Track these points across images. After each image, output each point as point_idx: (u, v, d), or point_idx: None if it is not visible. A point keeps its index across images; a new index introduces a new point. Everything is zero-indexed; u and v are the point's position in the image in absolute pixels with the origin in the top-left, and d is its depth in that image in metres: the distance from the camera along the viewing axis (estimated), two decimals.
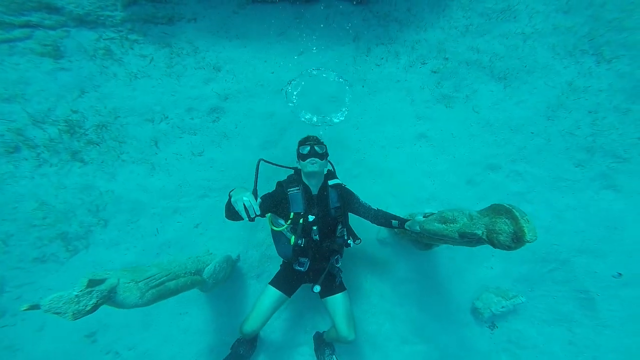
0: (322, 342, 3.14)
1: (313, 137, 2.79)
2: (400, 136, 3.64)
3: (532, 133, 3.51)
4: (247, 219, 2.03)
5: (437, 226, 2.37)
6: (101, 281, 2.04)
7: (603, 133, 3.43)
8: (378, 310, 3.36)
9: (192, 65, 3.71)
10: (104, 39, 3.69)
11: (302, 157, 2.66)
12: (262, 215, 2.32)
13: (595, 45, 3.51)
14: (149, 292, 2.29)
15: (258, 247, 3.49)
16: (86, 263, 3.40)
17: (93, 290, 1.93)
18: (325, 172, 2.81)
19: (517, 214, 1.92)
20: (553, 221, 3.39)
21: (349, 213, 2.83)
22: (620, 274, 3.18)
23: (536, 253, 3.33)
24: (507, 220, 1.96)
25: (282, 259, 2.95)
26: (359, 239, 2.78)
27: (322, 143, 2.73)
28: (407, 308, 3.33)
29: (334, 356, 3.04)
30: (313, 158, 2.58)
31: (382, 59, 3.76)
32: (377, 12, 3.83)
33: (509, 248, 1.96)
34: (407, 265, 3.40)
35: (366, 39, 3.81)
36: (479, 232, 2.18)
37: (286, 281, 2.81)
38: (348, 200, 2.76)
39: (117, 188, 3.55)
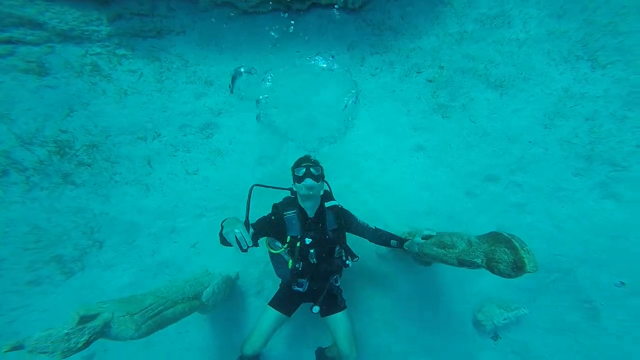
0: (324, 357, 3.06)
1: (308, 157, 2.68)
2: (398, 148, 3.53)
3: (530, 142, 3.39)
4: (239, 251, 1.98)
5: (436, 251, 2.35)
6: (94, 317, 1.96)
7: (601, 141, 3.31)
8: (380, 324, 3.29)
9: (183, 79, 3.57)
10: (90, 54, 3.52)
11: (297, 179, 2.55)
12: (255, 244, 2.25)
13: (589, 50, 3.39)
14: (145, 324, 2.21)
15: (257, 264, 3.40)
16: (83, 285, 3.31)
17: (85, 327, 1.85)
18: (322, 193, 2.72)
19: (516, 244, 1.88)
20: (554, 231, 3.29)
21: (346, 233, 2.74)
22: (622, 283, 3.10)
23: (538, 263, 3.15)
24: (506, 250, 1.92)
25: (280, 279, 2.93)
26: (357, 256, 2.69)
27: (317, 165, 2.61)
28: (409, 321, 3.26)
29: None
30: (308, 179, 2.46)
31: (377, 68, 3.63)
32: (371, 21, 3.69)
33: (508, 276, 1.92)
34: (407, 279, 3.32)
35: (360, 48, 3.67)
36: (478, 261, 2.14)
37: (285, 302, 2.75)
38: (345, 222, 2.67)
39: (111, 210, 3.44)
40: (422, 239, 2.48)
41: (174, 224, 3.43)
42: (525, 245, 1.89)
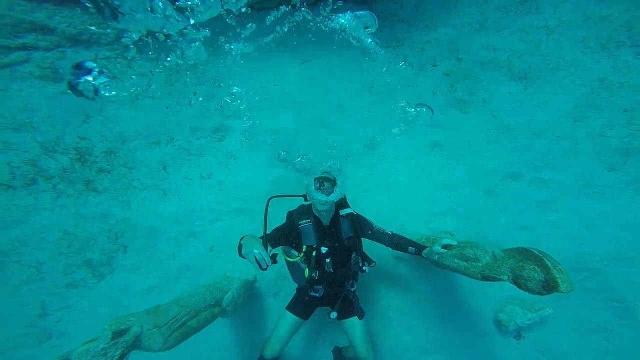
0: (341, 357, 3.04)
1: (327, 177, 2.51)
2: (413, 146, 3.32)
3: (558, 137, 3.09)
4: (259, 269, 2.00)
5: (458, 263, 2.22)
6: (125, 331, 2.05)
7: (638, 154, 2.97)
8: (396, 324, 3.21)
9: (193, 81, 3.45)
10: (100, 58, 3.43)
11: (311, 192, 2.45)
12: (274, 262, 2.15)
13: (635, 35, 2.95)
14: (172, 336, 2.28)
15: (273, 266, 3.33)
16: (113, 287, 3.39)
17: (118, 342, 1.96)
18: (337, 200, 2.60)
19: (548, 263, 1.77)
20: (582, 229, 3.05)
21: (362, 239, 2.65)
22: None
23: (565, 262, 2.95)
24: (536, 267, 1.81)
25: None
26: (374, 262, 2.62)
27: (331, 178, 2.49)
28: (426, 321, 3.17)
29: None
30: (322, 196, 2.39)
31: (390, 62, 3.36)
32: (382, 12, 3.41)
33: (538, 294, 1.81)
34: (424, 280, 3.20)
35: (373, 41, 3.25)
36: (504, 277, 1.97)
37: (302, 306, 2.73)
38: (361, 228, 2.59)
39: (132, 215, 3.46)
40: (442, 247, 2.35)
41: (192, 228, 3.42)
42: (559, 264, 1.77)
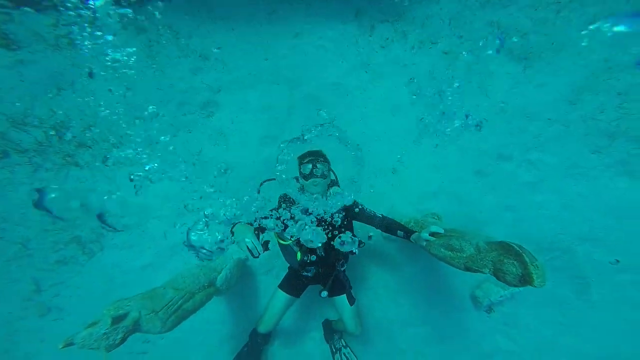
0: (330, 329, 3.12)
1: (314, 152, 2.47)
2: (407, 127, 3.16)
3: (550, 119, 2.99)
4: (251, 257, 2.06)
5: (444, 252, 2.25)
6: (124, 316, 2.06)
7: (630, 116, 2.88)
8: (383, 299, 3.27)
9: (176, 53, 3.10)
10: (63, 25, 2.98)
11: (303, 176, 2.38)
12: (267, 249, 2.15)
13: None
14: (170, 319, 2.28)
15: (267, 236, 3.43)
16: (105, 265, 3.28)
17: (118, 327, 2.00)
18: (329, 183, 2.53)
19: (526, 259, 1.82)
20: (562, 210, 3.07)
21: (353, 221, 2.61)
22: (617, 261, 2.99)
23: (541, 244, 3.10)
24: (515, 262, 1.87)
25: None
26: (363, 243, 2.48)
27: (324, 160, 2.42)
28: (411, 297, 3.24)
29: (342, 340, 3.06)
30: (315, 179, 2.35)
31: (388, 39, 3.10)
32: None
33: (514, 287, 1.93)
34: (410, 260, 3.22)
35: (369, 14, 3.10)
36: (486, 271, 2.04)
37: (294, 284, 2.75)
38: (352, 211, 2.53)
39: (118, 192, 3.23)
40: (430, 235, 2.33)
41: (181, 206, 3.21)
42: (536, 260, 1.82)
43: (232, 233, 2.17)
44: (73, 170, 3.22)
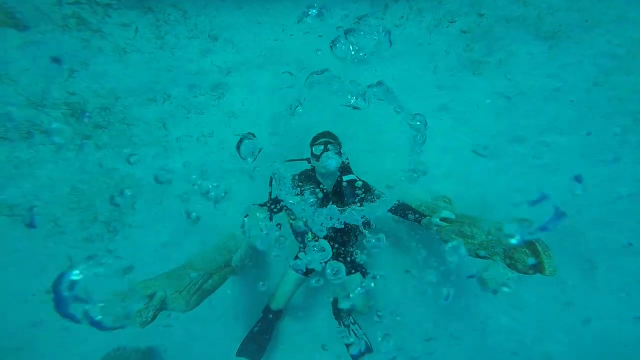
0: (339, 308, 3.07)
1: (326, 134, 2.40)
2: (420, 108, 2.72)
3: (572, 101, 2.78)
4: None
5: (455, 239, 2.24)
6: (152, 295, 2.21)
7: None
8: (391, 279, 3.28)
9: (184, 34, 2.98)
10: (67, 3, 2.86)
11: (315, 157, 2.34)
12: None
13: None
14: (192, 298, 2.40)
15: (279, 219, 3.39)
16: (127, 243, 3.34)
17: (149, 305, 2.16)
18: (340, 165, 2.46)
19: (539, 248, 1.81)
20: (575, 193, 2.89)
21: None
22: (630, 244, 2.89)
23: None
24: (527, 251, 1.86)
25: None
26: (374, 225, 2.57)
27: (336, 141, 2.36)
28: (418, 278, 3.22)
29: (350, 317, 3.07)
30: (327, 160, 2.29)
31: (402, 17, 2.89)
32: None
33: (524, 274, 1.92)
34: (420, 241, 3.18)
35: None
36: (497, 259, 2.03)
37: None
38: (363, 194, 2.52)
39: (136, 171, 3.28)
40: (441, 220, 2.32)
41: (196, 186, 3.46)
42: (548, 249, 1.82)
43: (246, 215, 2.14)
44: (92, 151, 3.30)
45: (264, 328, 2.97)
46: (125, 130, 3.25)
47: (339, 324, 3.11)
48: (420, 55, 2.96)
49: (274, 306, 2.82)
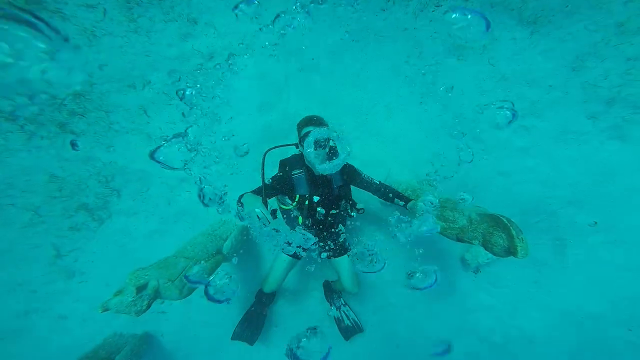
0: (330, 289, 3.22)
1: (315, 118, 2.31)
2: (405, 95, 2.98)
3: (550, 86, 2.80)
4: (262, 227, 2.05)
5: (438, 223, 2.28)
6: (145, 285, 2.23)
7: (633, 83, 2.72)
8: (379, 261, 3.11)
9: (160, 17, 2.74)
10: None
11: (304, 142, 2.23)
12: (275, 217, 2.25)
13: None
14: (185, 287, 2.40)
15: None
16: (114, 231, 3.26)
17: (143, 295, 2.19)
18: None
19: (513, 232, 1.89)
20: (551, 174, 3.04)
21: (351, 187, 2.61)
22: (595, 223, 3.03)
23: (528, 207, 3.11)
24: (503, 235, 1.95)
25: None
26: (362, 209, 2.60)
27: (325, 125, 2.30)
28: (404, 259, 3.30)
29: (341, 299, 3.18)
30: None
31: (389, 1, 2.76)
32: None
33: (500, 257, 2.00)
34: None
35: None
36: (476, 242, 2.06)
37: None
38: (351, 177, 2.52)
39: (118, 159, 3.15)
40: (424, 204, 2.27)
41: (183, 173, 2.84)
42: (521, 233, 1.90)
43: (241, 204, 2.17)
44: (69, 138, 3.12)
45: (257, 311, 3.01)
46: (103, 117, 3.08)
47: (330, 304, 3.22)
48: (406, 41, 2.87)
49: (267, 289, 2.84)
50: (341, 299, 3.20)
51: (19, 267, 3.19)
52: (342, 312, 3.16)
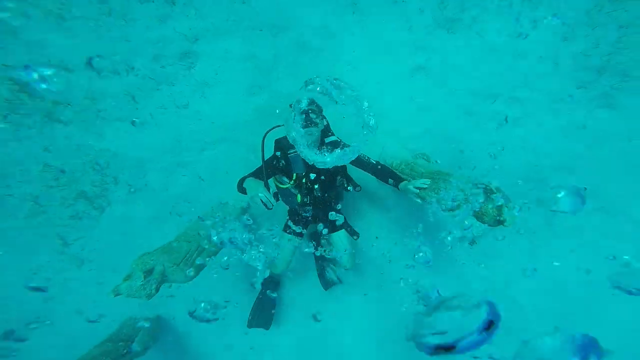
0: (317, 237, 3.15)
1: (308, 100, 2.25)
2: (397, 70, 2.87)
3: (541, 57, 2.73)
4: (265, 210, 2.16)
5: (432, 196, 2.31)
6: (151, 270, 2.26)
7: (623, 51, 2.65)
8: (377, 236, 3.35)
9: None
10: None
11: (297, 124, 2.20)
12: (277, 200, 2.36)
13: None
14: (190, 269, 2.45)
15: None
16: (116, 218, 3.22)
17: (150, 279, 2.23)
18: (322, 128, 2.42)
19: (502, 201, 1.97)
20: (541, 142, 3.01)
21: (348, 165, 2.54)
22: (585, 189, 2.82)
23: (521, 176, 3.09)
24: (492, 205, 2.00)
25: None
26: (359, 186, 2.63)
27: (317, 107, 2.26)
28: (402, 235, 3.33)
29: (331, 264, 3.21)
30: (309, 128, 2.24)
31: None
32: None
33: (491, 226, 2.08)
34: (402, 200, 3.23)
35: None
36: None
37: (296, 226, 2.81)
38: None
39: (111, 146, 3.06)
40: (415, 188, 2.35)
41: (179, 158, 3.13)
42: (510, 202, 1.97)
43: (243, 188, 2.27)
44: (58, 127, 3.03)
45: (267, 297, 3.09)
46: (90, 105, 2.98)
47: (316, 261, 3.27)
48: (395, 15, 2.74)
49: (275, 271, 2.87)
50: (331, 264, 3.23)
51: (28, 255, 3.19)
52: (326, 266, 3.19)
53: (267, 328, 3.08)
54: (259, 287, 2.90)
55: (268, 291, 3.03)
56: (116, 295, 2.13)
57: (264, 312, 3.06)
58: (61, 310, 3.23)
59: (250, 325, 3.04)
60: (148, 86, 2.85)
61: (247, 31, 2.75)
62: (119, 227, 3.28)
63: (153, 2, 2.63)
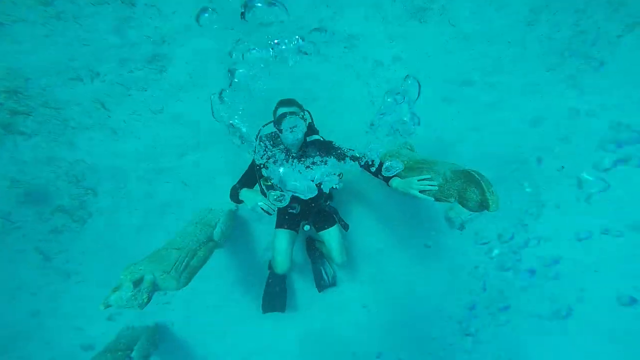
0: (314, 248, 3.26)
1: (285, 102, 2.24)
2: (375, 62, 2.84)
3: (509, 42, 2.77)
4: (266, 215, 2.22)
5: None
6: (141, 279, 2.20)
7: (581, 34, 2.75)
8: (370, 230, 3.38)
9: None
10: None
11: (279, 128, 2.22)
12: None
13: None
14: (182, 277, 2.37)
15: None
16: (99, 230, 3.10)
17: (141, 289, 2.17)
18: (304, 129, 2.33)
19: (484, 186, 1.92)
20: (519, 125, 3.09)
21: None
22: (563, 167, 3.15)
23: (503, 158, 3.17)
24: (475, 190, 1.98)
25: None
26: (341, 173, 2.56)
27: (297, 107, 2.22)
28: (393, 226, 3.35)
29: (324, 260, 3.26)
30: (293, 133, 2.20)
31: None
32: None
33: (475, 212, 2.04)
34: (390, 193, 2.99)
35: None
36: (452, 200, 2.12)
37: (288, 221, 2.76)
38: (328, 152, 2.47)
39: (85, 157, 2.87)
40: (395, 176, 2.39)
41: (159, 164, 2.99)
42: (492, 186, 1.92)
43: (239, 200, 2.31)
44: (21, 139, 2.77)
45: (276, 281, 3.10)
46: (55, 114, 2.75)
47: (309, 255, 3.30)
48: (368, 7, 2.67)
49: (280, 270, 2.74)
50: (323, 259, 3.28)
51: (10, 272, 3.07)
52: (322, 269, 3.23)
53: (282, 311, 3.11)
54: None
55: (275, 278, 3.07)
56: (106, 307, 2.07)
57: (276, 296, 3.08)
58: (52, 324, 3.18)
59: (265, 310, 3.06)
60: (117, 92, 2.65)
61: (217, 31, 2.60)
62: (104, 239, 3.15)
63: (109, 4, 2.38)
